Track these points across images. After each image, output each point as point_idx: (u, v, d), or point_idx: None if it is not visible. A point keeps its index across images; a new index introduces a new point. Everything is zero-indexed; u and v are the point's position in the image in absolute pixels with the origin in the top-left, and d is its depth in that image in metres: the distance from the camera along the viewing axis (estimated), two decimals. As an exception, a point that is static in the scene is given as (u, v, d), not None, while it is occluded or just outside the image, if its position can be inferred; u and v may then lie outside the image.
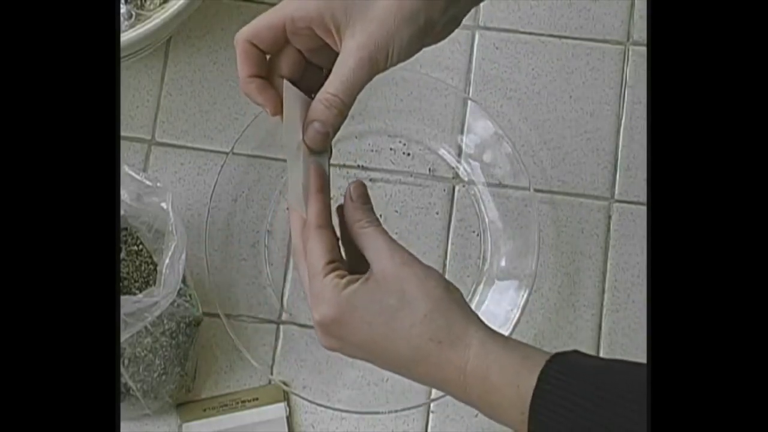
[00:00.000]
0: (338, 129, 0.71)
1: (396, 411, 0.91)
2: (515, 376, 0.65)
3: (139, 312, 0.80)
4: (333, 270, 0.68)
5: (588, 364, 0.65)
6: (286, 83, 0.70)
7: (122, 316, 0.79)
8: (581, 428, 0.63)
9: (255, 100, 0.70)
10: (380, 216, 0.96)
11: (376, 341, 0.68)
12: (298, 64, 0.71)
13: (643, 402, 0.61)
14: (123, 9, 0.91)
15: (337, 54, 0.69)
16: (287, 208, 0.97)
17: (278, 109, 0.70)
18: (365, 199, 0.72)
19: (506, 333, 0.87)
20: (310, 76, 0.72)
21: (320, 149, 0.71)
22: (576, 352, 0.66)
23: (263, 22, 0.69)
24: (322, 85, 0.70)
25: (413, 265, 0.69)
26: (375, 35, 0.68)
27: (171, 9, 0.90)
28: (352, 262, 0.71)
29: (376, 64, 0.69)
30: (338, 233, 0.71)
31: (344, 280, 0.68)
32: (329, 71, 0.70)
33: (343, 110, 0.69)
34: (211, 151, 0.98)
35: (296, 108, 0.70)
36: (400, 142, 0.98)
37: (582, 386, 0.63)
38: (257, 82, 0.70)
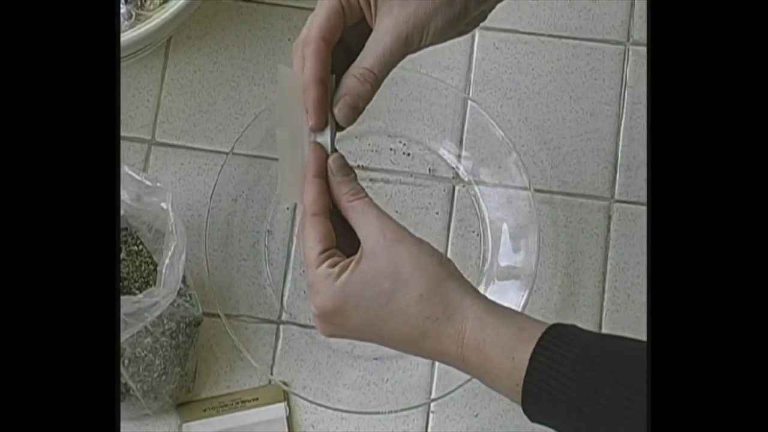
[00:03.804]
0: (366, 105, 0.70)
1: (396, 411, 0.91)
2: (511, 348, 0.66)
3: (139, 312, 0.80)
4: (326, 259, 0.68)
5: (583, 337, 0.65)
6: (280, 67, 0.69)
7: (122, 316, 0.79)
8: (573, 400, 0.63)
9: (314, 105, 0.69)
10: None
11: (374, 324, 0.68)
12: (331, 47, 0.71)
13: (638, 377, 0.61)
14: (123, 9, 0.91)
15: (367, 33, 0.69)
16: (287, 208, 0.97)
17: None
18: (346, 171, 0.70)
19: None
20: (336, 57, 0.71)
21: (349, 125, 0.70)
22: (574, 326, 0.66)
23: (327, 10, 0.69)
24: (346, 66, 0.69)
25: (405, 241, 0.68)
26: (412, 15, 0.68)
27: (171, 9, 0.90)
28: (345, 240, 0.70)
29: (410, 43, 0.69)
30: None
31: (337, 269, 0.68)
32: (357, 51, 0.69)
33: (375, 86, 0.69)
34: (211, 151, 0.98)
35: (296, 90, 0.69)
36: (400, 142, 0.98)
37: (576, 360, 0.64)
38: (322, 90, 0.69)
